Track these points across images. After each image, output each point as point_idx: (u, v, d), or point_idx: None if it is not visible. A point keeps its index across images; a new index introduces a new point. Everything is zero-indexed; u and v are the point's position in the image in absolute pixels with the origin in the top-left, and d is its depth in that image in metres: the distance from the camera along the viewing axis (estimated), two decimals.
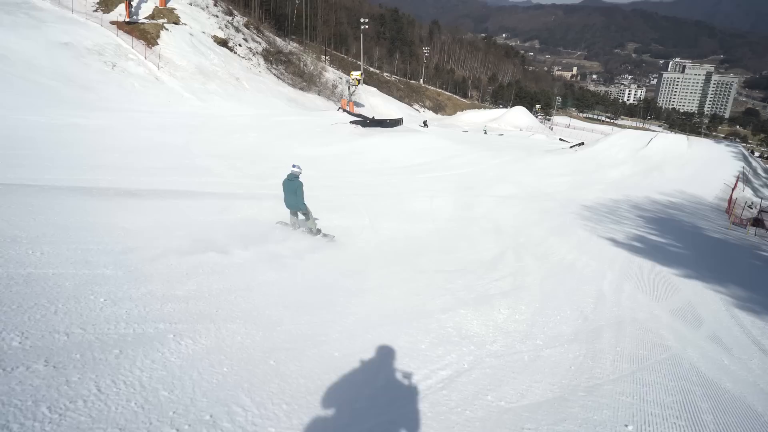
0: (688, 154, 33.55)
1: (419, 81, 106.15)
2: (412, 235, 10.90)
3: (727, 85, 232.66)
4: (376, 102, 53.82)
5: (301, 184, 8.96)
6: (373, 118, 35.96)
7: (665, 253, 12.02)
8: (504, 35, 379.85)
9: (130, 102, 27.76)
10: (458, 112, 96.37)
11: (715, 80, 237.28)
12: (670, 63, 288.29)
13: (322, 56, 62.97)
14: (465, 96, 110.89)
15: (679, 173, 30.19)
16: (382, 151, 22.98)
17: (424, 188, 17.18)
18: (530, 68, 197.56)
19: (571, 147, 36.94)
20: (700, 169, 30.91)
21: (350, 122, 30.78)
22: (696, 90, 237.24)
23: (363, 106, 48.69)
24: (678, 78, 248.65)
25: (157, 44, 33.32)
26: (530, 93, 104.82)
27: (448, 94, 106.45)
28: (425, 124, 51.92)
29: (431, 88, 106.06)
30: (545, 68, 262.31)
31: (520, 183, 21.90)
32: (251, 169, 15.77)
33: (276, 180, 9.84)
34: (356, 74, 44.43)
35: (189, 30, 35.32)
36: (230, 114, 29.12)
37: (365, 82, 69.71)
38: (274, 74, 39.44)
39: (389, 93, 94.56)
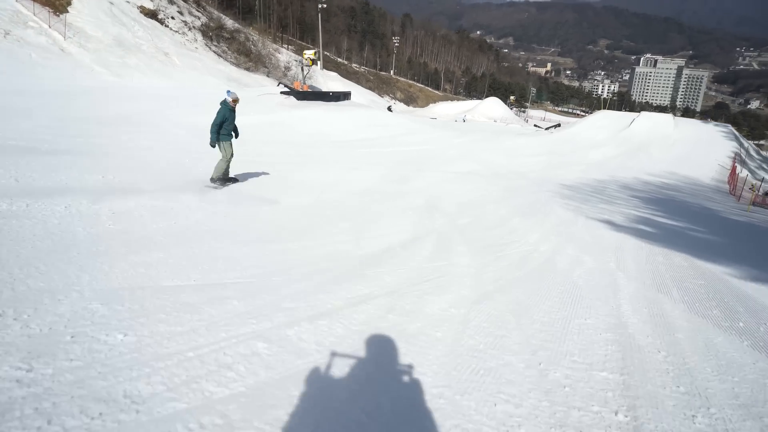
0: (675, 135, 30.15)
1: (390, 72, 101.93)
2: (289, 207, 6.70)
3: (697, 79, 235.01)
4: (336, 86, 49.41)
5: (218, 111, 7.77)
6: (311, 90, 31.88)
7: (691, 241, 8.05)
8: (478, 32, 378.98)
9: (21, 74, 22.87)
10: (431, 104, 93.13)
11: (686, 74, 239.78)
12: (642, 58, 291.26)
13: (277, 38, 58.36)
14: (438, 88, 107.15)
15: (667, 154, 26.80)
16: (315, 123, 18.73)
17: (354, 162, 12.91)
18: (505, 64, 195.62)
19: (546, 129, 33.14)
20: (690, 150, 27.55)
21: (281, 92, 26.47)
22: (668, 84, 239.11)
23: (320, 90, 44.23)
24: (650, 72, 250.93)
25: (67, 12, 28.32)
26: (504, 85, 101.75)
27: (420, 85, 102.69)
28: (389, 109, 47.89)
29: (402, 79, 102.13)
30: (520, 64, 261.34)
31: (485, 161, 17.94)
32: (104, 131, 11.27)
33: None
34: (309, 53, 39.91)
35: None
36: (148, 86, 24.54)
37: (326, 68, 65.68)
38: (215, 52, 34.76)
39: (357, 83, 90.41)
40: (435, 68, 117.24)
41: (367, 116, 23.93)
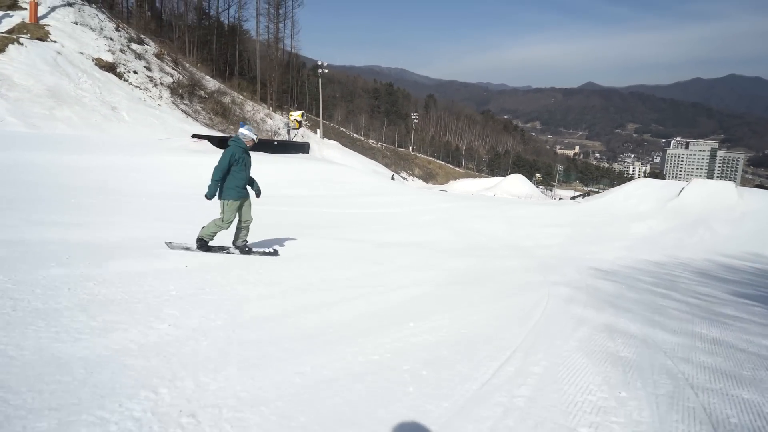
0: (741, 206, 23.20)
1: (408, 149, 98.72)
2: None
3: (733, 161, 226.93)
4: (333, 154, 44.73)
5: (225, 152, 5.75)
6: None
7: None
8: (505, 116, 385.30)
9: None
10: (450, 181, 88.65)
11: (720, 156, 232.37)
12: (672, 141, 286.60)
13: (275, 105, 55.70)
14: (459, 165, 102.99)
15: (737, 230, 20.06)
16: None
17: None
18: (531, 145, 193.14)
19: (571, 198, 26.68)
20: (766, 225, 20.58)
21: (192, 135, 21.49)
22: (702, 166, 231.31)
23: (315, 157, 39.45)
24: (683, 154, 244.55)
25: None
26: (529, 162, 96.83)
27: (440, 162, 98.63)
28: (393, 179, 42.61)
29: (421, 156, 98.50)
30: (547, 146, 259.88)
31: (468, 230, 11.95)
32: None
33: None
34: (296, 115, 35.65)
35: (57, 48, 26.55)
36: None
37: (326, 136, 62.02)
38: (183, 110, 30.38)
39: (373, 159, 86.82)
40: (456, 145, 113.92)
41: (320, 170, 18.20)
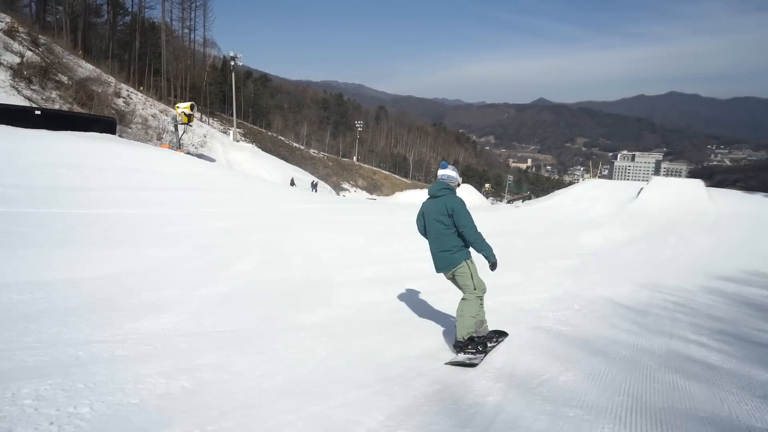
0: (712, 209, 18.63)
1: (353, 159, 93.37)
2: None
3: (677, 172, 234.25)
4: (241, 157, 38.70)
5: (457, 202, 4.29)
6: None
7: None
8: (461, 130, 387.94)
9: None
10: (397, 192, 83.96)
11: (664, 167, 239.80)
12: (619, 154, 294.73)
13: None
14: (407, 176, 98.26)
15: (716, 239, 15.22)
16: None
17: None
18: (483, 158, 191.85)
19: (508, 203, 21.65)
20: (752, 233, 15.92)
21: None
22: (647, 177, 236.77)
23: (214, 160, 33.21)
24: (629, 166, 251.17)
25: None
26: (479, 173, 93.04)
27: (386, 173, 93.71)
28: (292, 183, 36.77)
29: (366, 166, 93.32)
30: (501, 159, 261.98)
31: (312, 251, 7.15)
32: None
33: None
34: (183, 106, 29.29)
35: None
36: None
37: (259, 142, 56.31)
38: (26, 96, 23.70)
39: (313, 170, 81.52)
40: (404, 156, 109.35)
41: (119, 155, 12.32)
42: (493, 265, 4.24)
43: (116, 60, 48.24)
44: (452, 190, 4.46)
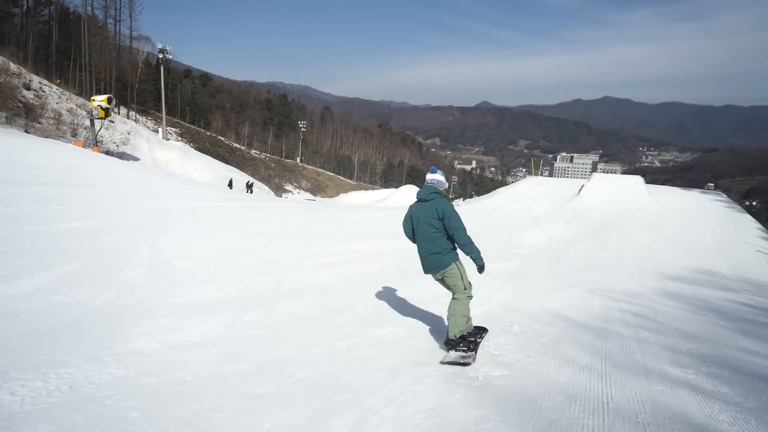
0: (652, 206, 17.94)
1: (296, 160, 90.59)
2: None
3: (612, 173, 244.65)
4: (172, 156, 35.53)
5: (447, 206, 4.32)
6: None
7: None
8: (407, 132, 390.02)
9: None
10: (341, 194, 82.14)
11: (600, 168, 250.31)
12: (558, 156, 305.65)
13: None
14: (351, 177, 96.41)
15: (657, 236, 14.35)
16: None
17: None
18: (429, 160, 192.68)
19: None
20: (694, 229, 15.23)
21: None
22: (585, 176, 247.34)
23: (137, 159, 30.08)
24: (568, 167, 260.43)
25: None
26: (423, 172, 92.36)
27: (330, 174, 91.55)
28: (249, 186, 34.50)
29: (310, 167, 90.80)
30: (446, 161, 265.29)
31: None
32: None
33: None
34: (99, 99, 26.25)
35: None
36: None
37: (198, 143, 53.02)
38: None
39: (254, 171, 78.27)
40: (349, 157, 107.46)
41: None
42: (481, 268, 4.31)
43: (40, 52, 43.93)
44: (441, 194, 4.50)
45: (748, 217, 17.68)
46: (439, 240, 4.33)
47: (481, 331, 4.84)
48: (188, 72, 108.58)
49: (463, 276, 4.38)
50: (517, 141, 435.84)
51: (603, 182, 20.65)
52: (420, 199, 4.49)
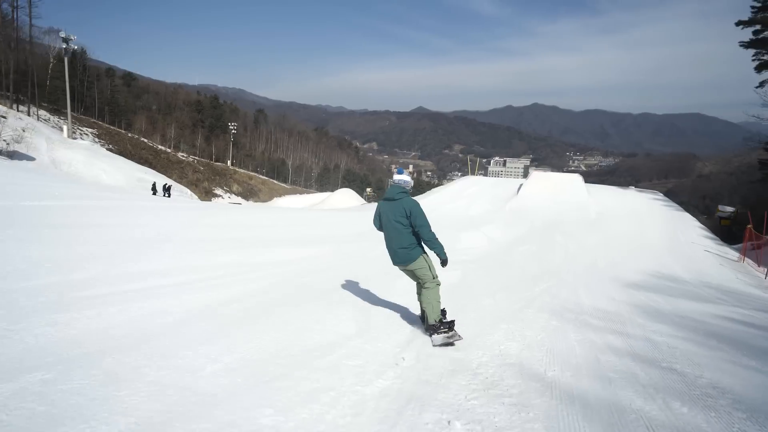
0: (592, 206, 17.39)
1: (227, 163, 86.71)
2: None
3: None
4: (75, 156, 31.96)
5: (414, 205, 4.71)
6: None
7: None
8: (345, 137, 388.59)
9: None
10: (275, 198, 79.55)
11: (531, 171, 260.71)
12: (492, 160, 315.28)
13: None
14: (286, 181, 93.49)
15: (601, 236, 13.61)
16: None
17: None
18: (366, 164, 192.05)
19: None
20: (635, 227, 14.58)
21: None
22: (518, 180, 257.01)
23: (33, 158, 26.59)
24: (501, 171, 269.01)
25: None
26: (360, 176, 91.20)
27: (263, 178, 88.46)
28: (166, 189, 31.69)
29: (242, 171, 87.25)
30: (384, 166, 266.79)
31: None
32: None
33: None
34: None
35: None
36: None
37: (118, 145, 48.91)
38: None
39: (181, 174, 74.04)
40: (283, 160, 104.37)
41: None
42: (444, 262, 4.82)
43: None
44: (407, 193, 4.90)
45: (688, 215, 17.61)
46: (406, 236, 4.75)
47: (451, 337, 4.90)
48: (111, 71, 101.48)
49: (430, 267, 4.83)
50: (453, 146, 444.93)
51: (542, 181, 20.09)
52: (388, 198, 4.86)
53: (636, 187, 26.98)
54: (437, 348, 4.51)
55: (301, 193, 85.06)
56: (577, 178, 20.40)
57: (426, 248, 4.79)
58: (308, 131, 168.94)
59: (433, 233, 4.64)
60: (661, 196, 20.37)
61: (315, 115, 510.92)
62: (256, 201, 78.36)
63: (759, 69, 24.84)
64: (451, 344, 4.61)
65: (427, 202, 19.63)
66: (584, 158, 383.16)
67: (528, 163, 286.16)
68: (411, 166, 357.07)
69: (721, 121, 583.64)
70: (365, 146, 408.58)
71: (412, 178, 5.04)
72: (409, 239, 4.72)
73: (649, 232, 13.89)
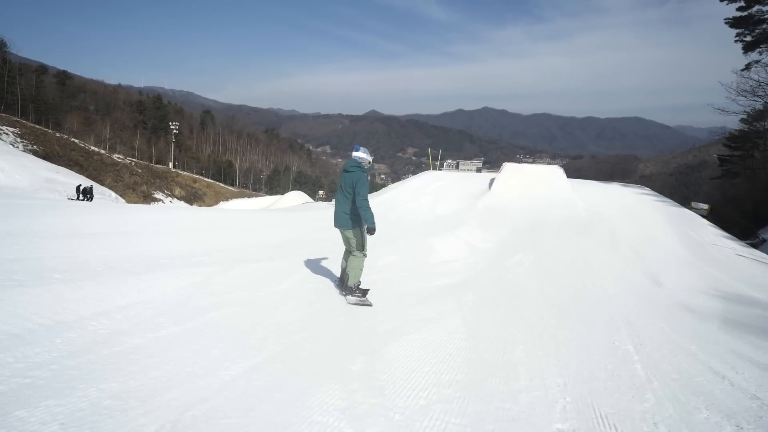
0: (579, 203, 14.94)
1: (168, 165, 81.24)
2: None
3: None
4: None
5: (362, 177, 5.41)
6: None
7: None
8: (298, 140, 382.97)
9: None
10: (221, 202, 75.15)
11: (484, 173, 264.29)
12: (445, 163, 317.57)
13: None
14: (233, 183, 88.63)
15: (603, 239, 10.89)
16: None
17: None
18: (318, 167, 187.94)
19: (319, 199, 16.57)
20: (640, 228, 12.13)
21: None
22: (489, 173, 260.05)
23: None
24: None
25: None
26: (312, 178, 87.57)
27: (209, 181, 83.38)
28: (86, 193, 27.56)
29: (185, 173, 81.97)
30: (337, 169, 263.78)
31: None
32: None
33: None
34: None
35: None
36: None
37: (44, 147, 43.42)
38: None
39: (116, 177, 68.71)
40: (230, 162, 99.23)
41: None
42: (370, 230, 5.26)
43: None
44: (362, 168, 5.49)
45: (687, 210, 15.51)
46: (351, 204, 5.47)
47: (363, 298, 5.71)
48: (42, 68, 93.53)
49: (363, 239, 5.58)
50: (406, 149, 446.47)
51: (516, 174, 17.57)
52: (344, 170, 5.59)
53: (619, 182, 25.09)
54: None
55: (249, 197, 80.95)
56: (557, 171, 18.03)
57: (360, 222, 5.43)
58: (258, 133, 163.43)
59: (365, 203, 5.25)
60: (648, 190, 18.34)
61: (267, 119, 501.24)
62: (200, 205, 73.66)
63: (746, 50, 23.45)
64: (364, 305, 5.42)
65: (381, 200, 16.74)
66: (533, 160, 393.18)
67: (480, 165, 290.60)
68: None
69: (658, 125, 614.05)
70: (318, 149, 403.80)
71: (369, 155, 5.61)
72: (353, 209, 5.40)
73: (657, 233, 11.54)
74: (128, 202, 62.44)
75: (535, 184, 16.19)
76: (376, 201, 17.52)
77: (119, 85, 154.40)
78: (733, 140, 31.42)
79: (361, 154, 5.52)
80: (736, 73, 24.09)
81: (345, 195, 5.37)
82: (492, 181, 17.38)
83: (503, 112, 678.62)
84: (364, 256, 5.53)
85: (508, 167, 18.50)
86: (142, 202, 64.80)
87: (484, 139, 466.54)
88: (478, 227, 11.63)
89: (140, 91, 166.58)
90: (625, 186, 19.35)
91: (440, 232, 10.72)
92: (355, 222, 5.41)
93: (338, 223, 5.51)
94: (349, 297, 5.46)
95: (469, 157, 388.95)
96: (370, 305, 5.36)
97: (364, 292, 5.56)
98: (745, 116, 26.91)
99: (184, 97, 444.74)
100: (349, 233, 5.47)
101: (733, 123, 31.90)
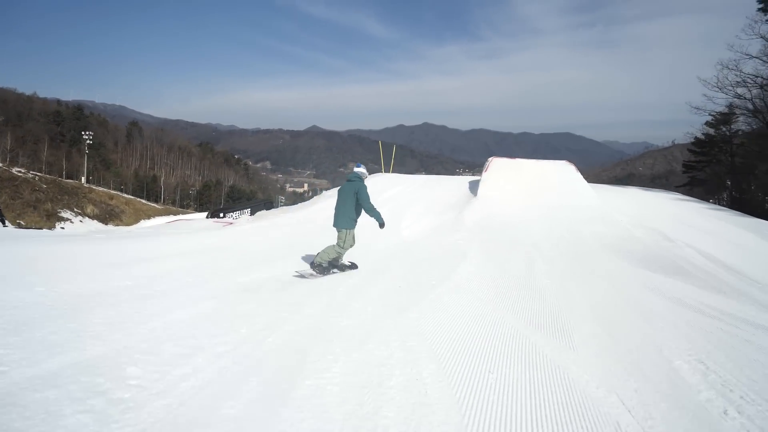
0: (600, 208, 10.20)
1: (80, 180, 72.08)
2: None
3: None
4: None
5: (362, 187, 6.91)
6: None
7: None
8: (236, 156, 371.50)
9: None
10: (142, 220, 67.25)
11: (490, 159, 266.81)
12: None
13: None
14: (158, 200, 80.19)
15: (640, 257, 5.75)
16: None
17: None
18: (257, 184, 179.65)
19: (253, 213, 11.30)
20: (731, 252, 7.32)
21: None
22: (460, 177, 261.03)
23: None
24: None
25: None
26: (246, 193, 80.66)
27: (128, 197, 74.77)
28: None
29: (100, 189, 73.14)
30: (278, 185, 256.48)
31: None
32: None
33: None
34: None
35: None
36: None
37: None
38: None
39: (14, 193, 59.95)
40: (153, 175, 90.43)
41: None
42: (381, 225, 6.83)
43: None
44: (361, 179, 7.00)
45: (751, 219, 11.41)
46: (349, 208, 6.80)
47: (350, 266, 7.17)
48: None
49: (347, 239, 6.78)
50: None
51: (509, 173, 12.84)
52: (348, 179, 6.99)
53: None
54: None
55: (175, 214, 73.09)
56: (567, 167, 13.43)
57: (354, 228, 6.86)
58: (191, 146, 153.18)
59: (372, 205, 6.76)
60: (680, 195, 14.21)
61: (204, 134, 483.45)
62: (117, 224, 65.26)
63: (766, 10, 20.92)
64: (318, 275, 6.51)
65: (304, 216, 11.48)
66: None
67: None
68: (306, 185, 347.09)
69: (587, 140, 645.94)
70: (258, 165, 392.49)
71: (367, 170, 7.20)
72: (350, 212, 6.79)
73: (698, 237, 7.22)
74: (27, 222, 53.70)
75: (540, 186, 11.58)
76: (306, 213, 12.32)
77: (34, 95, 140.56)
78: (699, 145, 29.63)
79: (362, 170, 7.05)
80: (732, 49, 21.63)
81: (346, 199, 6.73)
82: (476, 184, 12.64)
83: (442, 128, 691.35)
84: (340, 249, 6.67)
85: (496, 163, 13.81)
86: (45, 223, 56.16)
87: (425, 154, 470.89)
88: (484, 261, 6.71)
89: (58, 101, 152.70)
90: (646, 190, 15.14)
91: (421, 287, 5.61)
92: (349, 224, 6.68)
93: (337, 223, 6.75)
94: (312, 268, 6.54)
95: (411, 171, 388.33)
96: (322, 276, 6.31)
97: (324, 271, 6.56)
98: (715, 115, 24.79)
99: (116, 111, 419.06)
100: (342, 233, 6.67)
101: (696, 127, 29.89)
